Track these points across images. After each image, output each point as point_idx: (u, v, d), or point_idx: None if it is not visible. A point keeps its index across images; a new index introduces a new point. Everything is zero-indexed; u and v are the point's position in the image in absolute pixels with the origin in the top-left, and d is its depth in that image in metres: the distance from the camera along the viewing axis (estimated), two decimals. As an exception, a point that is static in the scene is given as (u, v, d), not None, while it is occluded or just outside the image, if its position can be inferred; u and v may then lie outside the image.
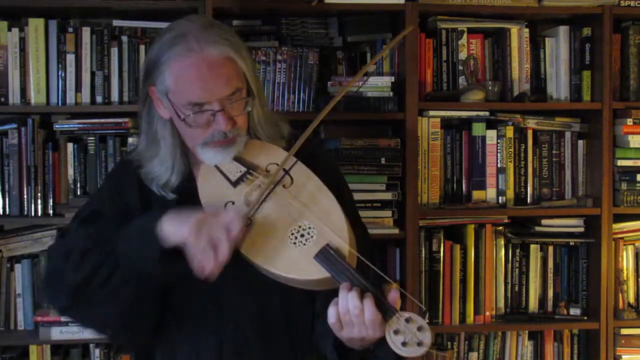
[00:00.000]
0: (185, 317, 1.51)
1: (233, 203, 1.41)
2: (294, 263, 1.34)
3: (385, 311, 1.27)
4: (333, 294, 1.33)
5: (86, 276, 1.41)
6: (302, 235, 1.36)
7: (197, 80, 1.41)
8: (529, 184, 2.73)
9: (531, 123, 2.73)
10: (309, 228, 1.37)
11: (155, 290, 1.45)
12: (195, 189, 1.47)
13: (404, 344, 1.24)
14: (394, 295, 1.28)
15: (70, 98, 2.49)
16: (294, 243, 1.36)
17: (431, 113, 2.64)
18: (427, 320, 1.26)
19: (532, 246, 2.74)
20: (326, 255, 1.32)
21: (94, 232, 1.49)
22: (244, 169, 1.47)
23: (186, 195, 1.50)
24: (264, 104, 1.54)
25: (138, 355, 1.66)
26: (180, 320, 1.52)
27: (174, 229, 1.33)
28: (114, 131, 2.52)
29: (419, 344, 1.24)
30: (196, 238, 1.30)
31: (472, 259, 2.68)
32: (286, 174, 1.44)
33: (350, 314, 1.28)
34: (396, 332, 1.25)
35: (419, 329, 1.24)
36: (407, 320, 1.25)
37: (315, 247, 1.34)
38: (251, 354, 1.50)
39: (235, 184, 1.45)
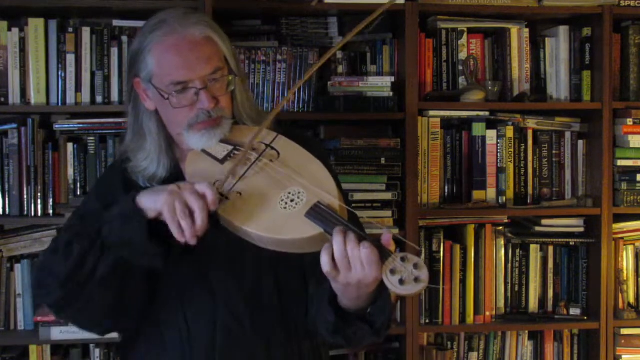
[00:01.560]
0: (175, 301, 1.50)
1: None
2: (285, 224, 1.32)
3: (381, 253, 1.26)
4: (325, 279, 1.33)
5: (74, 266, 1.39)
6: (292, 200, 1.35)
7: (179, 59, 1.44)
8: (529, 184, 2.73)
9: (531, 123, 2.73)
10: (299, 193, 1.36)
11: (143, 275, 1.45)
12: (183, 180, 1.47)
13: (401, 281, 1.23)
14: (386, 238, 1.28)
15: (70, 98, 2.48)
16: (285, 208, 1.35)
17: (431, 113, 2.64)
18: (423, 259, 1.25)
19: (532, 246, 2.74)
20: (317, 211, 1.31)
21: (77, 226, 1.49)
22: (230, 147, 1.48)
23: None
24: (247, 89, 1.58)
25: (124, 340, 1.65)
26: (170, 303, 1.51)
27: (150, 200, 1.35)
28: (114, 131, 2.52)
29: (416, 279, 1.23)
30: (171, 206, 1.32)
31: (472, 259, 2.68)
32: (270, 148, 1.45)
33: (347, 254, 1.26)
34: (393, 271, 1.24)
35: (415, 266, 1.24)
36: (403, 259, 1.24)
37: (305, 208, 1.33)
38: (245, 338, 1.49)
39: (222, 161, 1.46)
